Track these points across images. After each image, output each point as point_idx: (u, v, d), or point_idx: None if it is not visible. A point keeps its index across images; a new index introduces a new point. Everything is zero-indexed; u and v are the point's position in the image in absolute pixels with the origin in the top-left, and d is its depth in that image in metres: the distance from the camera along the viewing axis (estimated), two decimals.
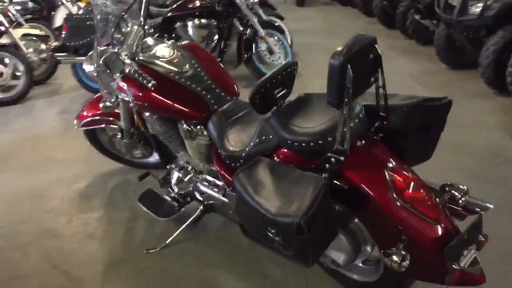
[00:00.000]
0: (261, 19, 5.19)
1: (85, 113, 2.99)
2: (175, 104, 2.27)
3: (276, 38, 5.06)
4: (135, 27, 2.54)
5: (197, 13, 4.92)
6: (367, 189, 1.68)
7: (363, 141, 1.79)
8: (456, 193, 1.78)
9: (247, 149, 2.02)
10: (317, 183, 1.57)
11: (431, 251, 1.61)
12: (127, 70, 2.29)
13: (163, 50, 2.46)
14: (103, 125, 2.98)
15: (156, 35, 5.00)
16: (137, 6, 2.49)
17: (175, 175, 2.57)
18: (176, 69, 2.35)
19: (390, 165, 1.72)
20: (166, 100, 2.27)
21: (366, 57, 1.62)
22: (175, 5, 5.00)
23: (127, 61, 2.28)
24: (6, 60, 5.15)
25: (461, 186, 1.79)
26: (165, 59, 2.39)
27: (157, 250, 2.50)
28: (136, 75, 2.24)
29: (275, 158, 1.93)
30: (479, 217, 1.67)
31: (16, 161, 3.76)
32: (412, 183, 1.68)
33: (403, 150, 1.85)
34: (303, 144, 1.75)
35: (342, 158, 1.65)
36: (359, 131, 1.76)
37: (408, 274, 1.74)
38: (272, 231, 1.60)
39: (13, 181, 3.42)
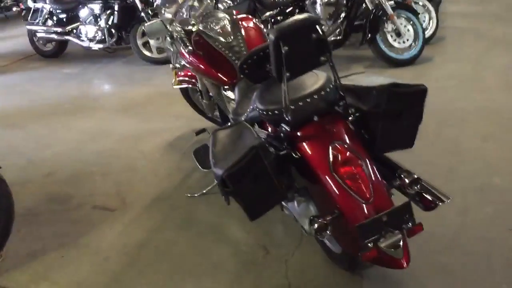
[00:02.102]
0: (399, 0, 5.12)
1: (180, 73, 3.52)
2: (209, 69, 2.62)
3: (404, 18, 4.93)
4: (209, 1, 2.95)
5: None
6: (310, 160, 1.82)
7: (327, 117, 1.91)
8: (407, 180, 1.79)
9: (245, 114, 2.27)
10: (251, 145, 1.77)
11: (352, 226, 1.70)
12: (174, 36, 2.71)
13: (219, 22, 2.81)
14: (189, 85, 3.47)
15: (289, 9, 5.34)
16: None
17: None
18: (221, 39, 2.68)
19: (338, 141, 1.81)
20: (203, 64, 2.64)
21: (307, 36, 1.74)
22: None
23: (177, 28, 2.70)
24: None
25: (414, 175, 1.80)
26: (215, 29, 2.74)
27: (195, 196, 2.93)
28: (179, 40, 2.65)
29: (267, 126, 2.15)
30: (405, 204, 1.69)
31: (141, 110, 4.56)
32: (352, 162, 1.77)
33: (375, 134, 1.90)
34: (264, 112, 1.95)
35: (287, 128, 1.82)
36: (318, 106, 1.89)
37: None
38: (215, 181, 1.86)
39: (130, 125, 4.20)
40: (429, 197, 1.83)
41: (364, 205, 1.71)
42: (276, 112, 1.90)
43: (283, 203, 2.18)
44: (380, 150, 1.93)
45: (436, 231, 2.38)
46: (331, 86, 1.93)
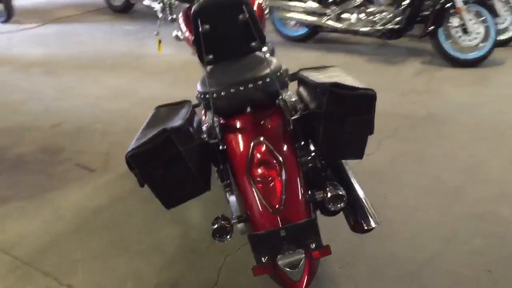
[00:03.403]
0: None
1: None
2: (189, 37, 2.47)
3: (474, 14, 4.43)
4: None
5: None
6: (231, 154, 1.65)
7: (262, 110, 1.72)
8: (329, 194, 1.56)
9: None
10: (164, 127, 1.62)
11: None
12: (165, 1, 2.59)
13: None
14: None
15: None
16: None
17: None
18: None
19: (262, 139, 1.61)
20: (187, 32, 2.50)
21: (232, 17, 1.56)
22: None
23: None
24: None
25: (339, 191, 1.55)
26: None
27: None
28: (167, 7, 2.53)
29: None
30: (308, 221, 1.47)
31: (173, 74, 4.55)
32: (269, 164, 1.57)
33: (317, 137, 1.69)
34: (199, 95, 1.80)
35: (212, 115, 1.66)
36: (252, 96, 1.70)
37: None
38: None
39: (155, 88, 4.22)
40: (357, 218, 1.60)
41: (271, 214, 1.51)
42: (207, 96, 1.73)
43: (227, 194, 2.02)
44: (322, 156, 1.71)
45: (405, 255, 2.11)
46: (277, 75, 1.73)
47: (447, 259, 2.08)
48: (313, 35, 5.39)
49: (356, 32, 4.93)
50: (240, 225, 1.81)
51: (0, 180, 2.79)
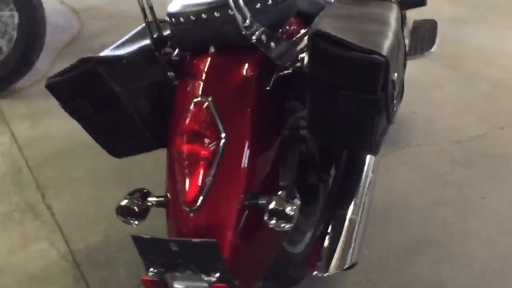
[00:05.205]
0: None
1: None
2: None
3: None
4: None
5: None
6: (172, 109, 1.18)
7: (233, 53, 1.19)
8: (270, 206, 1.01)
9: None
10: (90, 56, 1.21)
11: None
12: None
13: None
14: None
15: None
16: None
17: None
18: None
19: (209, 98, 1.10)
20: None
21: None
22: None
23: None
24: None
25: (286, 210, 1.00)
26: None
27: None
28: None
29: None
30: (209, 243, 0.96)
31: None
32: (198, 137, 1.07)
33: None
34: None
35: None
36: (217, 30, 1.16)
37: None
38: None
39: None
40: (318, 252, 1.09)
41: (183, 210, 1.04)
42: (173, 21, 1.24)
43: None
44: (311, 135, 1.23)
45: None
46: (268, 3, 1.15)
47: None
48: None
49: None
50: None
51: None
